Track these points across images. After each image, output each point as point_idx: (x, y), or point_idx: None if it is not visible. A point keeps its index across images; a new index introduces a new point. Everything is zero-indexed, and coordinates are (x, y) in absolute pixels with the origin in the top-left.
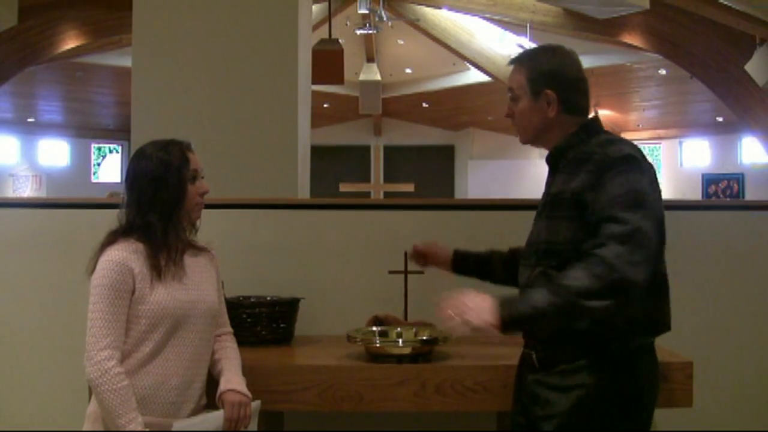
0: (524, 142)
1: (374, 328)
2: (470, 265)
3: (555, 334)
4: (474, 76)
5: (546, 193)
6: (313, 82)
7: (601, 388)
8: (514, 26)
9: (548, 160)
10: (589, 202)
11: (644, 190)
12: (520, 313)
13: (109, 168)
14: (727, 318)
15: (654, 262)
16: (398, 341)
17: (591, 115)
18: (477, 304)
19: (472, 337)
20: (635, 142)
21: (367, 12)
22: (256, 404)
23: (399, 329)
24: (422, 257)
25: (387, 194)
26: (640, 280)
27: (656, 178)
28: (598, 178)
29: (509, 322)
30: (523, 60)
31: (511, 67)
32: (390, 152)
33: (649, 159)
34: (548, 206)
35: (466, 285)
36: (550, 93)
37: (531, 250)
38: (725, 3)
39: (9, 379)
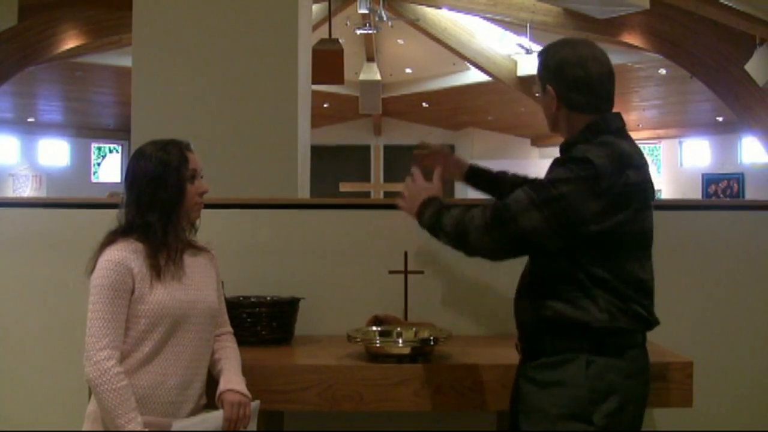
0: (549, 130)
1: (374, 328)
2: (481, 182)
3: (532, 321)
4: (474, 76)
5: None
6: (313, 82)
7: (579, 386)
8: (515, 26)
9: (560, 149)
10: None
11: (558, 189)
12: (420, 220)
13: (109, 168)
14: (727, 318)
15: (502, 242)
16: (398, 341)
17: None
18: (413, 195)
19: (473, 337)
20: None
21: (367, 12)
22: (255, 404)
23: (399, 329)
24: (430, 159)
25: (387, 194)
26: (477, 246)
27: (604, 193)
28: None
29: (420, 221)
30: (540, 53)
31: None
32: (390, 152)
33: (632, 174)
34: None
35: (467, 285)
36: (550, 89)
37: None
38: (725, 3)
39: (9, 379)
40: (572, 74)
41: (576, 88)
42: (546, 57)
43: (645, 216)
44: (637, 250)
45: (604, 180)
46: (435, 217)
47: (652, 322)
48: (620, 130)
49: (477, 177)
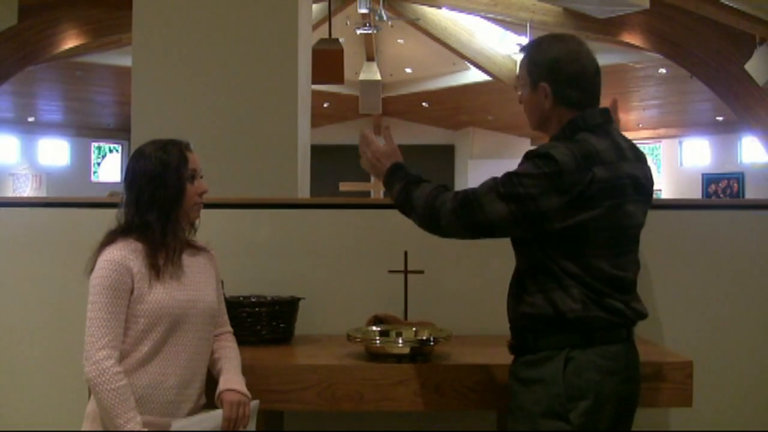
0: (532, 128)
1: (374, 328)
2: None
3: (517, 317)
4: (474, 76)
5: None
6: (313, 82)
7: (557, 384)
8: (515, 26)
9: None
10: None
11: (522, 184)
12: (389, 191)
13: (109, 167)
14: (727, 318)
15: (470, 228)
16: (398, 341)
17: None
18: (374, 159)
19: (473, 337)
20: (636, 142)
21: (367, 11)
22: (254, 404)
23: (399, 329)
24: None
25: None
26: (447, 230)
27: (566, 190)
28: None
29: (389, 191)
30: (527, 48)
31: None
32: None
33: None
34: None
35: (467, 285)
36: (544, 86)
37: None
38: (725, 2)
39: (9, 379)
40: (568, 70)
41: (571, 85)
42: (536, 53)
43: (623, 212)
44: (610, 246)
45: (567, 177)
46: (404, 194)
47: (632, 317)
48: (599, 126)
49: None
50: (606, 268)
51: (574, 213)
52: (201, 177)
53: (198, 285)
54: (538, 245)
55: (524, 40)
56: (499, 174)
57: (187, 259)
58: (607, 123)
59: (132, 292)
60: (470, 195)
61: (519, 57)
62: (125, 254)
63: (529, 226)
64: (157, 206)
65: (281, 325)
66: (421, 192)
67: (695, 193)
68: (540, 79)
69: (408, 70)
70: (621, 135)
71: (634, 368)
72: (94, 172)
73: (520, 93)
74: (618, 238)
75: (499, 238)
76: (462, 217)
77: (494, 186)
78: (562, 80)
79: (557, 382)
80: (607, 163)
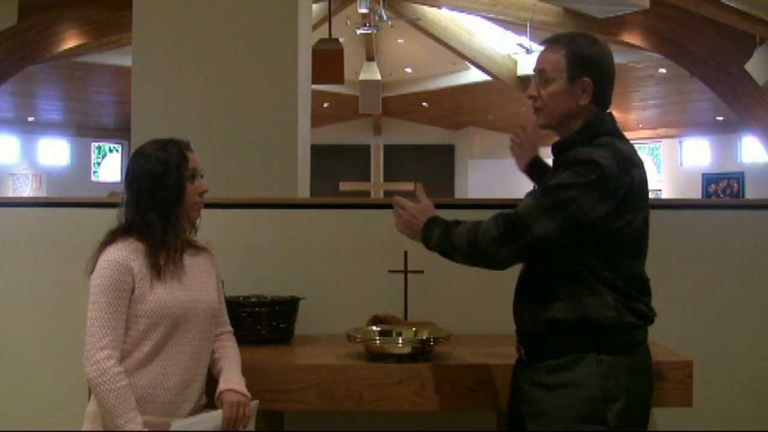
0: (543, 126)
1: (374, 328)
2: (537, 176)
3: (535, 323)
4: (474, 76)
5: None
6: (313, 82)
7: (587, 387)
8: (515, 25)
9: (553, 151)
10: None
11: (567, 193)
12: (428, 244)
13: (109, 167)
14: (727, 318)
15: (520, 252)
16: (398, 340)
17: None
18: (409, 220)
19: (473, 337)
20: (634, 142)
21: (367, 11)
22: (254, 404)
23: (399, 328)
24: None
25: (387, 193)
26: (496, 259)
27: (612, 194)
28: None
29: (427, 245)
30: (562, 41)
31: (543, 48)
32: (390, 151)
33: (636, 174)
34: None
35: (467, 285)
36: (587, 81)
37: None
38: (725, 2)
39: (9, 379)
40: (609, 68)
41: (610, 83)
42: (577, 47)
43: (645, 215)
44: (638, 248)
45: (612, 181)
46: (444, 237)
47: (652, 318)
48: (615, 129)
49: (537, 171)
50: (635, 271)
51: (617, 218)
52: (202, 176)
53: (199, 285)
54: (567, 253)
55: (524, 40)
56: (499, 173)
57: (188, 259)
58: (617, 126)
59: (133, 292)
60: (513, 217)
61: (519, 57)
62: (126, 254)
63: (576, 236)
64: (157, 206)
65: (281, 325)
66: (461, 230)
67: (695, 193)
68: (584, 73)
69: (408, 70)
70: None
71: (651, 367)
72: (94, 172)
73: (543, 86)
74: (644, 240)
75: None
76: (509, 241)
77: (537, 202)
78: (605, 77)
79: (592, 385)
80: (639, 167)
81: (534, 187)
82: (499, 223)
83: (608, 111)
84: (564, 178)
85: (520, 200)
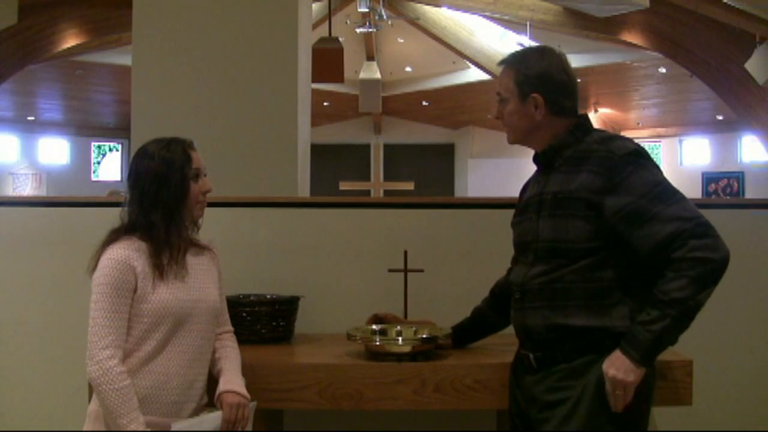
0: (512, 142)
1: (374, 327)
2: (470, 335)
3: (548, 329)
4: (474, 75)
5: (540, 192)
6: (313, 81)
7: (600, 390)
8: (515, 25)
9: (539, 160)
10: (606, 203)
11: (665, 180)
12: (647, 346)
13: (109, 166)
14: (727, 317)
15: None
16: (398, 340)
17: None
18: (621, 374)
19: None
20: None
21: (367, 10)
22: (252, 405)
23: (399, 328)
24: None
25: (387, 192)
26: (727, 252)
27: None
28: (610, 178)
29: (642, 359)
30: (511, 62)
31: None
32: (390, 150)
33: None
34: (548, 205)
35: (467, 284)
36: (537, 96)
37: (529, 248)
38: (725, 1)
39: (9, 379)
40: (559, 79)
41: (563, 92)
42: (524, 67)
43: None
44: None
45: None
46: (672, 324)
47: None
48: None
49: (465, 333)
50: (650, 279)
51: None
52: (205, 175)
53: (202, 284)
54: (605, 261)
55: (524, 39)
56: (499, 172)
57: (191, 259)
58: None
59: (135, 291)
60: (692, 222)
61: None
62: (129, 253)
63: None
64: (161, 205)
65: (281, 324)
66: (673, 295)
67: (695, 192)
68: (533, 89)
69: (408, 69)
70: None
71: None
72: (94, 171)
73: (502, 106)
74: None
75: (491, 239)
76: (714, 236)
77: (675, 204)
78: (554, 89)
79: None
80: None
81: (534, 187)
82: (693, 243)
83: (584, 115)
84: (643, 176)
85: (518, 199)
